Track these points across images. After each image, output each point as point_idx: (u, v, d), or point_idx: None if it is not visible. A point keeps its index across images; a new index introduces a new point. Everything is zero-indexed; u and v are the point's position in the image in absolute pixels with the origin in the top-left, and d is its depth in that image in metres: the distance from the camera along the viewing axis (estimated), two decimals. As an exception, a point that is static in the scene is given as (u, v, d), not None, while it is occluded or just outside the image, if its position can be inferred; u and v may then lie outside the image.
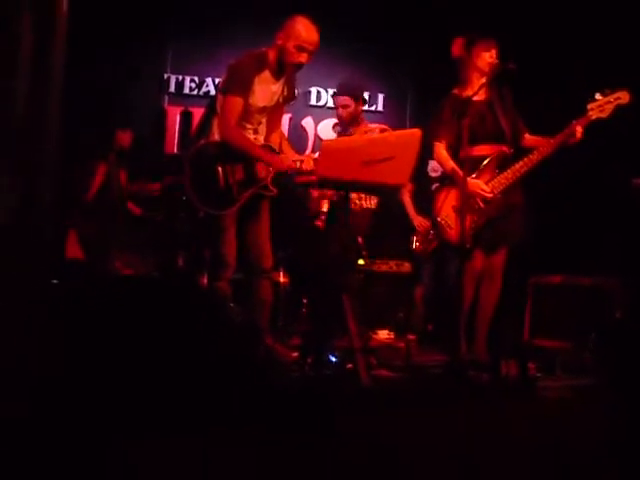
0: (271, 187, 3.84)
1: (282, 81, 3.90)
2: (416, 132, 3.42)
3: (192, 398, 2.54)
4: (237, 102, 3.73)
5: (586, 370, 4.18)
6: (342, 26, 6.65)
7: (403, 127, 6.13)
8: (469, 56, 4.13)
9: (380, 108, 7.12)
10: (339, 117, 4.79)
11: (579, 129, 3.94)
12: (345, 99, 4.73)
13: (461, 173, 3.85)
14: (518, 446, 2.40)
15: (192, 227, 5.42)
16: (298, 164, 3.85)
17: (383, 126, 4.38)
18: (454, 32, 4.32)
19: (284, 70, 3.86)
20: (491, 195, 4.00)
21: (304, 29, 3.75)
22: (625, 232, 4.92)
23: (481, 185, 4.01)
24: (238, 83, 3.74)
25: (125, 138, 6.06)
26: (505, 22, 5.93)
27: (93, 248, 5.76)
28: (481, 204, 4.02)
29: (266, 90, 3.83)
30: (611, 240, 5.14)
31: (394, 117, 6.95)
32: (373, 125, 4.80)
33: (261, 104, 3.83)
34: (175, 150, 6.83)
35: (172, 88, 6.93)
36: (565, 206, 5.68)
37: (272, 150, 3.89)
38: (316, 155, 3.88)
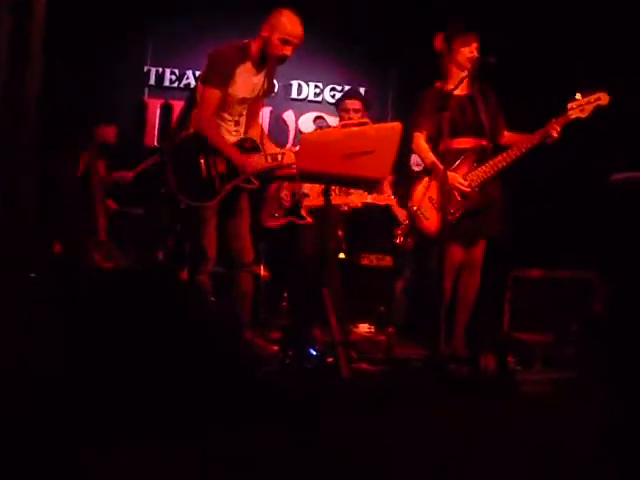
0: (253, 179, 3.83)
1: (263, 73, 3.90)
2: (396, 125, 3.42)
3: (172, 393, 2.53)
4: (215, 94, 3.73)
5: (565, 363, 4.21)
6: (324, 19, 6.64)
7: (385, 120, 6.11)
8: (449, 51, 4.14)
9: (361, 101, 7.11)
10: (348, 120, 4.62)
11: (557, 128, 3.97)
12: (358, 103, 4.77)
13: (441, 166, 3.88)
14: (497, 441, 2.41)
15: (172, 220, 5.39)
16: (279, 157, 3.84)
17: (364, 119, 4.37)
18: (437, 26, 4.33)
19: (266, 62, 3.85)
20: (468, 188, 4.02)
21: (289, 22, 3.76)
22: (603, 226, 4.95)
23: (458, 178, 4.03)
24: (218, 74, 3.73)
25: (110, 133, 6.02)
26: (491, 19, 5.96)
27: (71, 240, 5.70)
28: (458, 197, 4.04)
29: (247, 81, 3.82)
30: (590, 234, 5.17)
31: (376, 111, 6.93)
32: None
33: (241, 95, 3.82)
34: (155, 143, 6.79)
35: (152, 80, 6.89)
36: (545, 201, 5.72)
37: (254, 144, 3.88)
38: (296, 148, 3.89)
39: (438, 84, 4.21)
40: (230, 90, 3.77)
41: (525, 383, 3.78)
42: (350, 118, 4.67)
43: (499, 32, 5.33)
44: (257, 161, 3.80)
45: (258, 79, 3.88)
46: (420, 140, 4.15)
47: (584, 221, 5.33)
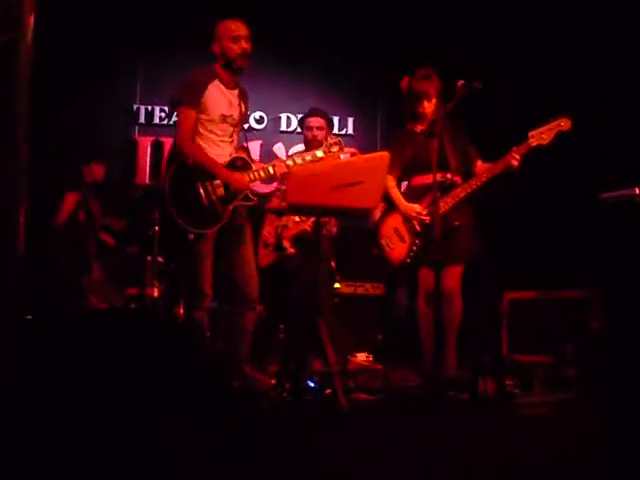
0: (251, 196, 3.87)
1: (236, 93, 3.95)
2: (384, 155, 3.45)
3: (168, 430, 2.53)
4: (190, 113, 3.80)
5: (564, 384, 4.21)
6: (311, 51, 6.72)
7: (374, 150, 6.13)
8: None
9: (350, 131, 7.18)
10: (313, 138, 4.73)
11: (516, 157, 4.03)
12: (321, 121, 4.80)
13: (401, 202, 4.23)
14: (498, 464, 2.40)
15: (166, 258, 5.39)
16: (271, 170, 3.88)
17: (353, 150, 4.41)
18: (423, 54, 4.40)
19: (235, 76, 3.93)
20: (427, 217, 4.11)
21: (229, 23, 3.90)
22: (594, 244, 4.98)
23: (417, 209, 4.17)
24: (189, 93, 3.81)
25: (99, 171, 6.04)
26: (478, 42, 6.05)
27: (64, 280, 5.69)
28: (417, 227, 4.19)
29: (220, 97, 3.87)
30: (581, 253, 5.19)
31: (364, 140, 7.00)
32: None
33: (220, 111, 3.86)
34: (147, 180, 6.81)
35: (142, 118, 6.94)
36: (534, 220, 5.74)
37: (245, 161, 3.92)
38: (287, 161, 3.95)
39: (408, 125, 4.36)
40: (209, 108, 3.82)
41: (525, 406, 3.77)
42: (314, 136, 4.72)
43: (483, 59, 5.42)
44: (243, 179, 3.83)
45: (232, 96, 3.93)
46: (388, 180, 4.23)
47: (575, 240, 5.35)
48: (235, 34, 3.86)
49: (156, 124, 6.95)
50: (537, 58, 5.90)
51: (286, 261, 4.70)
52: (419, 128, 4.27)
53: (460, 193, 4.14)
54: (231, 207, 3.83)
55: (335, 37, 6.74)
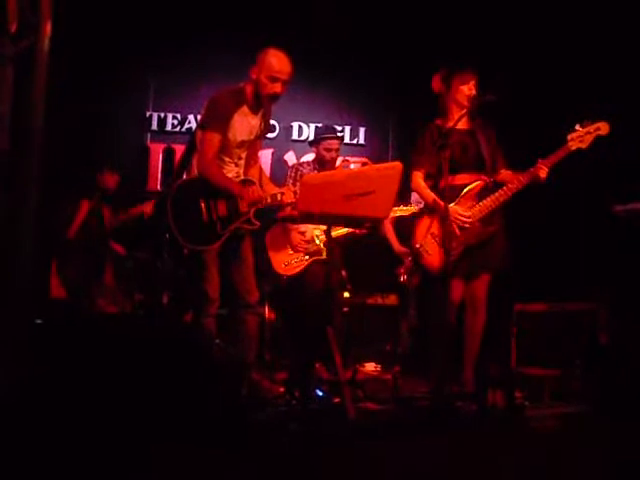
0: (253, 220, 3.87)
1: (260, 115, 3.95)
2: (397, 165, 3.45)
3: (175, 435, 2.53)
4: (215, 138, 3.78)
5: (573, 397, 4.19)
6: (323, 61, 6.73)
7: (385, 160, 6.16)
8: (448, 89, 4.20)
9: (362, 141, 7.18)
10: (331, 160, 4.89)
11: (544, 169, 3.98)
12: (339, 142, 4.96)
13: (441, 202, 3.92)
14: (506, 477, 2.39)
15: (175, 264, 5.40)
16: (279, 197, 3.89)
17: (364, 160, 4.42)
18: (435, 64, 4.39)
19: (261, 104, 3.91)
20: (469, 220, 4.04)
21: (275, 60, 3.80)
22: (606, 257, 4.96)
23: (459, 210, 4.04)
24: (217, 119, 3.79)
25: (110, 180, 6.09)
26: (491, 55, 6.04)
27: (75, 286, 5.73)
28: (457, 231, 4.04)
29: (245, 125, 3.88)
30: (593, 265, 5.17)
31: (376, 150, 7.01)
32: (354, 159, 4.86)
33: (240, 138, 3.88)
34: (158, 187, 6.84)
35: (154, 125, 6.97)
36: (547, 232, 5.73)
37: (252, 184, 3.92)
38: (296, 187, 3.93)
39: (438, 121, 4.26)
40: (229, 134, 3.82)
41: (534, 418, 3.75)
42: (333, 158, 4.88)
43: (497, 70, 5.40)
44: (255, 190, 3.84)
45: (255, 121, 3.94)
46: (418, 179, 4.18)
47: (586, 252, 5.33)
48: (276, 75, 3.78)
49: (168, 131, 6.98)
50: (547, 67, 5.90)
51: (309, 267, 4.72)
52: (450, 125, 4.10)
53: (500, 197, 4.05)
54: (231, 228, 3.83)
55: (347, 48, 6.76)
